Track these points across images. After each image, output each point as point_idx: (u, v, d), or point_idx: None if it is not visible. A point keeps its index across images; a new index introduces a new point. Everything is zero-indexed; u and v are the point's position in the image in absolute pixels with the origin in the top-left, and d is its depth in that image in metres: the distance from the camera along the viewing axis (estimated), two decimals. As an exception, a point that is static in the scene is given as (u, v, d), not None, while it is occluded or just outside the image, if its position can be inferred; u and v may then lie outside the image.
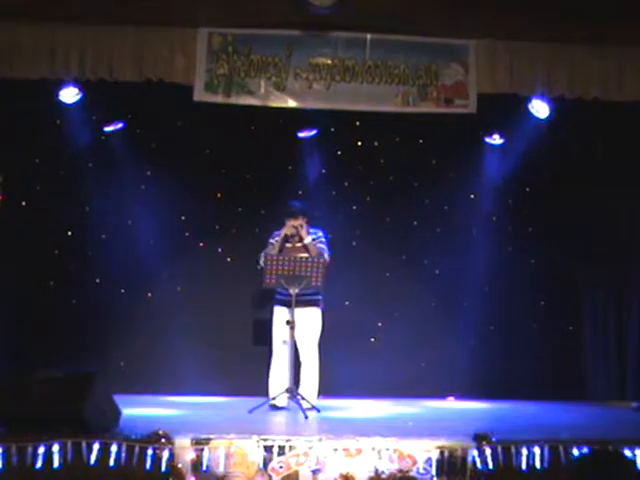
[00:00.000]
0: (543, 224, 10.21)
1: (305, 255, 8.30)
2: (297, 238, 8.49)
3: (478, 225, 10.17)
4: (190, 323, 9.52)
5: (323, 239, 8.55)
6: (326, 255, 8.38)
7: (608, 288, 9.99)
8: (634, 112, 8.98)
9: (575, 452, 5.92)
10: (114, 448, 5.73)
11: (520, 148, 9.84)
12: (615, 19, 8.04)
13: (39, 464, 5.66)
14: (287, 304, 8.32)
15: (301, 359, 8.13)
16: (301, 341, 8.35)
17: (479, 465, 5.83)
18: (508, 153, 9.99)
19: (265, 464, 5.81)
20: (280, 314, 8.45)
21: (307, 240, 8.41)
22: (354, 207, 10.14)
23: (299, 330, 8.24)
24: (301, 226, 8.45)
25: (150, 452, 5.72)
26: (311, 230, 8.60)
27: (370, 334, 10.00)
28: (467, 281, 10.03)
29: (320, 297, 8.41)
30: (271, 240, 8.57)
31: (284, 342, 8.35)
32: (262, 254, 8.45)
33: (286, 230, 8.42)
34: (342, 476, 5.80)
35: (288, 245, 8.46)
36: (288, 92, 8.53)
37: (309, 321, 8.34)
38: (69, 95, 8.99)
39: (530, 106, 9.11)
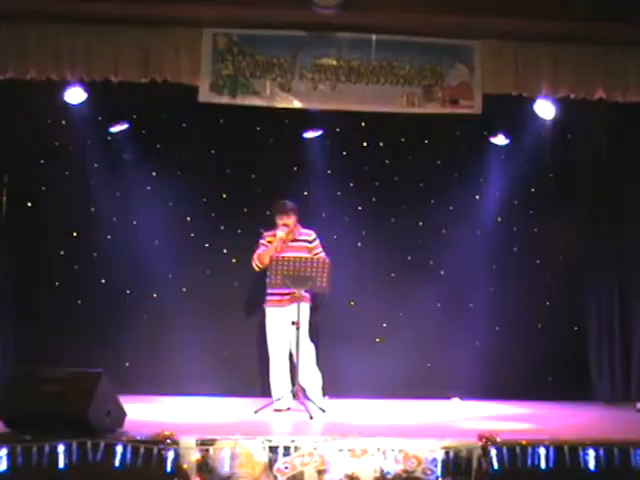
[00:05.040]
0: (548, 225, 10.21)
1: (308, 255, 8.32)
2: (290, 238, 8.50)
3: (483, 226, 10.17)
4: (195, 324, 9.52)
5: (318, 242, 8.55)
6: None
7: (613, 288, 9.97)
8: (639, 112, 8.97)
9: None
10: (119, 449, 5.74)
11: (525, 148, 9.86)
12: (620, 20, 8.03)
13: (44, 465, 5.66)
14: (281, 304, 8.39)
15: (300, 357, 8.09)
16: (300, 338, 8.28)
17: (484, 466, 5.83)
18: (513, 153, 10.00)
19: (270, 465, 5.81)
20: (275, 315, 8.45)
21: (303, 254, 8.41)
22: (359, 208, 10.13)
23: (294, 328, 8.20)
24: (295, 225, 8.48)
25: (155, 453, 5.72)
26: (303, 231, 8.60)
27: (375, 334, 10.00)
28: (472, 282, 10.04)
29: (308, 293, 8.40)
30: (261, 241, 8.58)
31: (288, 343, 8.37)
32: (255, 256, 8.51)
33: (282, 235, 8.40)
34: (347, 476, 5.81)
35: (283, 246, 8.46)
36: (293, 93, 8.52)
37: (303, 317, 8.29)
38: (74, 95, 9.00)
39: (535, 107, 9.10)
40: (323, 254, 8.45)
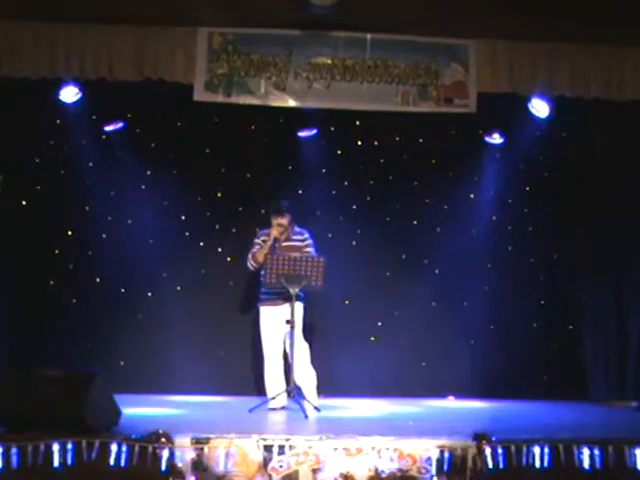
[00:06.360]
0: (543, 223, 10.23)
1: (305, 254, 8.32)
2: (284, 237, 8.49)
3: (478, 225, 10.19)
4: (190, 323, 9.54)
5: (310, 241, 8.53)
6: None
7: (608, 287, 9.98)
8: (634, 111, 8.98)
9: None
10: (114, 447, 5.72)
11: (520, 147, 9.88)
12: (615, 19, 8.04)
13: (39, 464, 5.65)
14: (275, 303, 8.37)
15: (294, 356, 8.09)
16: (295, 337, 8.27)
17: (479, 464, 5.82)
18: (508, 152, 10.02)
19: (265, 463, 5.81)
20: (268, 314, 8.44)
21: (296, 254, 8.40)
22: (354, 207, 10.15)
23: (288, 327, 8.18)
24: (289, 224, 8.48)
25: (150, 451, 5.71)
26: (297, 229, 8.59)
27: (370, 333, 10.01)
28: (467, 281, 10.06)
29: (303, 293, 8.40)
30: (256, 240, 8.57)
31: (283, 341, 8.35)
32: (249, 255, 8.48)
33: (275, 233, 8.40)
34: (342, 475, 5.80)
35: (276, 245, 8.45)
36: (288, 92, 8.52)
37: (297, 316, 8.27)
38: (69, 94, 9.00)
39: (530, 105, 9.11)
40: (313, 252, 8.43)
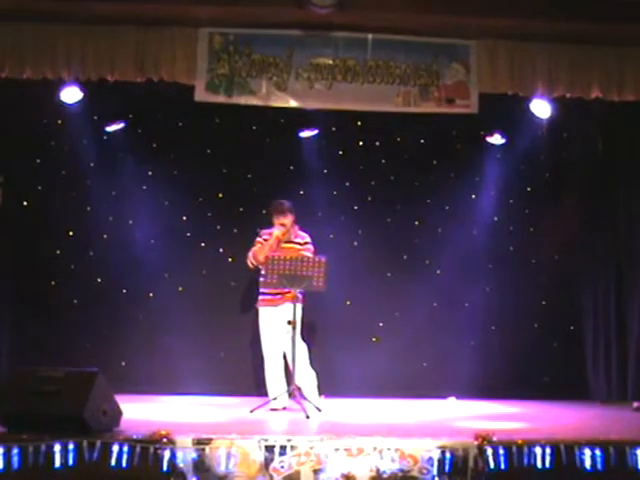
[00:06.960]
0: (544, 224, 10.22)
1: (306, 254, 8.31)
2: (285, 238, 8.48)
3: (479, 225, 10.20)
4: (191, 323, 9.54)
5: (310, 246, 8.50)
6: None
7: (609, 288, 9.97)
8: (635, 112, 8.98)
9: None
10: (115, 448, 5.72)
11: (521, 148, 9.88)
12: (616, 19, 8.04)
13: (40, 464, 5.64)
14: (274, 303, 8.36)
15: (294, 357, 8.07)
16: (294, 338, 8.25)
17: (480, 465, 5.82)
18: (509, 153, 10.02)
19: (267, 464, 5.81)
20: (267, 315, 8.44)
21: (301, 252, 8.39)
22: (355, 207, 10.16)
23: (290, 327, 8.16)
24: (292, 225, 8.46)
25: (151, 452, 5.71)
26: (299, 233, 8.57)
27: (371, 334, 10.02)
28: (468, 281, 10.05)
29: (301, 294, 8.39)
30: (259, 239, 8.55)
31: (282, 342, 8.33)
32: (250, 253, 8.48)
33: (279, 233, 8.39)
34: (343, 476, 5.80)
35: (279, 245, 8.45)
36: (289, 92, 8.51)
37: (296, 317, 8.27)
38: (70, 95, 8.98)
39: (531, 106, 9.10)
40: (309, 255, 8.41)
